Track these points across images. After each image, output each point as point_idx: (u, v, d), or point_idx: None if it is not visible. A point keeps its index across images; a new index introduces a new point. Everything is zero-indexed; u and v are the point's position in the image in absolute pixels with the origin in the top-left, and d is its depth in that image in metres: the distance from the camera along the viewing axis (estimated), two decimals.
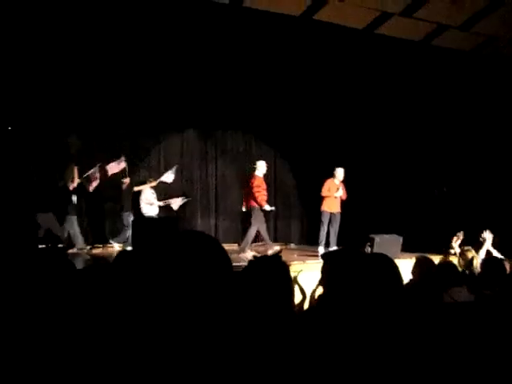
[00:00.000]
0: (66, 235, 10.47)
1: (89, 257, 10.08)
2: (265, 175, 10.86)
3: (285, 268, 2.22)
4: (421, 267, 4.64)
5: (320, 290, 2.83)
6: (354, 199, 11.57)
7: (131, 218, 10.78)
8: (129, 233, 10.51)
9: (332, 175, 10.92)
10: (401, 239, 9.95)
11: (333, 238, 10.74)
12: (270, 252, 9.97)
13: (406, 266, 4.68)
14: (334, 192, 10.73)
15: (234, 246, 13.09)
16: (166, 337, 1.38)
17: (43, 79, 10.78)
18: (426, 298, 3.68)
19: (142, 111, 12.15)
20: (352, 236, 10.96)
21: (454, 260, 5.93)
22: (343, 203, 10.92)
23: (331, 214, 10.75)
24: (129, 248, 9.62)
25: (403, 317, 1.66)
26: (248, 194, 10.72)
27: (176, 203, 12.24)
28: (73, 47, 10.24)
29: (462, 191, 11.33)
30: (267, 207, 10.60)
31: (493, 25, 9.10)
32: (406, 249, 9.78)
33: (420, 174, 12.08)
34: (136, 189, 11.59)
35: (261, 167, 10.77)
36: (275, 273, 2.17)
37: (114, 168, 11.20)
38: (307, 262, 9.24)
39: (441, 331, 1.76)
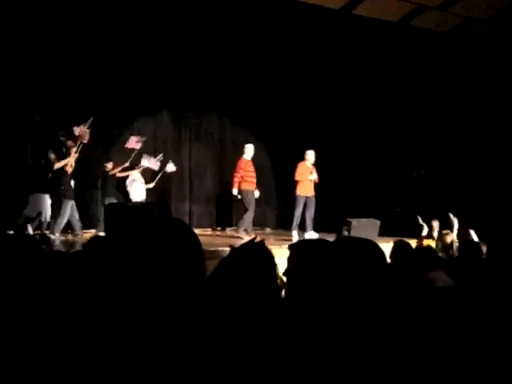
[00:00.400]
0: (65, 221, 10.20)
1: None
2: (253, 159, 10.87)
3: (269, 256, 2.18)
4: (399, 251, 4.66)
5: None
6: (331, 182, 11.60)
7: None
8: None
9: (303, 158, 10.91)
10: (378, 223, 10.00)
11: (309, 223, 10.72)
12: (240, 238, 9.96)
13: (383, 250, 4.69)
14: (308, 175, 10.71)
15: (209, 231, 13.11)
16: (139, 325, 1.34)
17: (36, 62, 10.58)
18: (407, 282, 3.70)
19: (114, 93, 11.95)
20: (329, 220, 11.00)
21: (431, 244, 5.99)
22: (317, 186, 10.93)
23: (306, 198, 10.74)
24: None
25: (386, 302, 1.65)
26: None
27: (169, 167, 12.13)
28: (50, 30, 10.05)
29: (441, 175, 11.44)
30: (234, 191, 10.67)
31: (470, 6, 9.14)
32: (384, 233, 9.84)
33: (399, 157, 12.15)
34: (121, 174, 11.44)
35: (248, 150, 10.82)
36: (259, 261, 2.12)
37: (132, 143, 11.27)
38: (283, 246, 9.21)
39: (425, 316, 1.76)
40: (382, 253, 1.77)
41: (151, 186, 12.01)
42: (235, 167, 10.89)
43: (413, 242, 5.86)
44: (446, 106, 11.26)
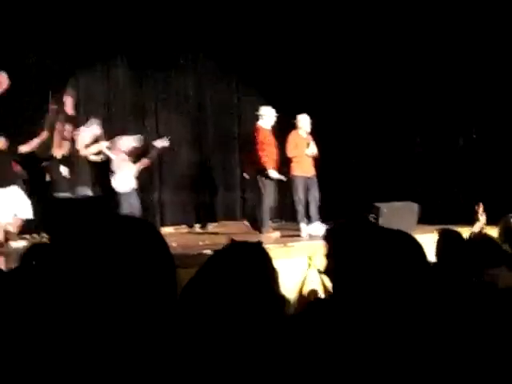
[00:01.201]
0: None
1: None
2: (273, 127, 10.82)
3: (266, 259, 2.17)
4: (446, 244, 4.67)
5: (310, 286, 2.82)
6: (346, 158, 11.64)
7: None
8: None
9: (294, 126, 10.86)
10: (417, 207, 10.04)
11: (314, 210, 10.72)
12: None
13: (425, 243, 4.69)
14: (305, 149, 10.68)
15: (182, 229, 13.09)
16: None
17: None
18: (459, 283, 3.72)
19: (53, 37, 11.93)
20: (345, 206, 11.02)
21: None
22: (321, 163, 10.93)
23: (306, 178, 10.73)
24: None
25: (435, 311, 1.68)
26: (251, 154, 10.69)
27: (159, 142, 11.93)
28: None
29: (494, 141, 11.41)
30: (273, 174, 10.60)
31: None
32: (424, 220, 9.90)
33: (436, 117, 12.12)
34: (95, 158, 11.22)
35: (267, 116, 10.69)
36: (252, 267, 2.11)
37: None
38: (289, 244, 9.27)
39: (485, 325, 1.78)
40: (419, 248, 1.79)
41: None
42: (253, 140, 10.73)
43: (464, 231, 5.87)
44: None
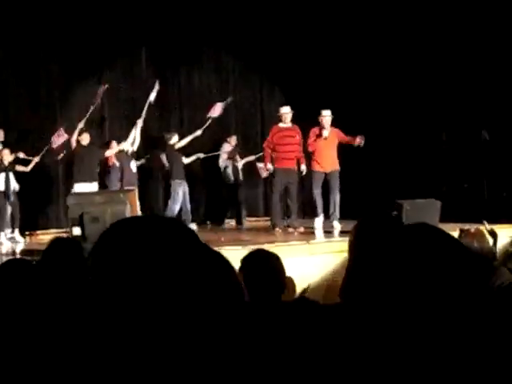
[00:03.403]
0: None
1: None
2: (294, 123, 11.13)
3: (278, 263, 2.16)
4: (468, 242, 4.65)
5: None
6: (365, 152, 11.60)
7: None
8: None
9: (316, 122, 10.97)
10: (439, 205, 9.99)
11: (333, 209, 10.79)
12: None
13: None
14: (323, 142, 10.79)
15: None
16: None
17: None
18: (482, 285, 3.70)
19: (78, 36, 12.06)
20: (368, 203, 11.02)
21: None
22: (344, 159, 10.93)
23: (326, 174, 10.79)
24: None
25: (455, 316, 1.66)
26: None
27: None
28: None
29: None
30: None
31: None
32: (445, 218, 9.85)
33: (459, 109, 12.03)
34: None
35: (282, 114, 11.01)
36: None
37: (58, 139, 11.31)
38: (311, 242, 9.27)
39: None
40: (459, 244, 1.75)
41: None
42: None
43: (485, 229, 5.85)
44: None
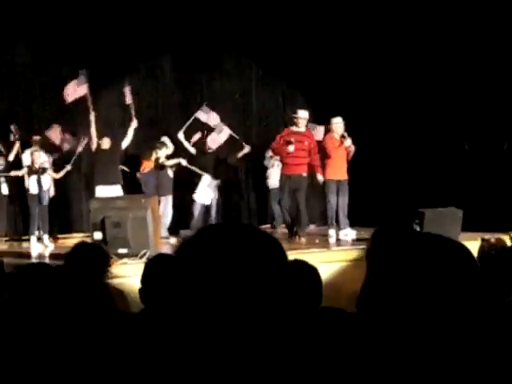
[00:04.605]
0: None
1: None
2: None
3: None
4: (489, 253, 4.63)
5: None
6: (380, 158, 11.60)
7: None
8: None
9: (328, 130, 10.99)
10: (460, 213, 9.95)
11: (342, 217, 10.83)
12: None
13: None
14: (337, 149, 10.74)
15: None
16: None
17: None
18: (501, 295, 3.70)
19: (102, 44, 12.17)
20: (389, 211, 11.00)
21: None
22: (353, 166, 10.93)
23: (337, 182, 10.80)
24: None
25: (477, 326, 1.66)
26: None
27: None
28: None
29: None
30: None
31: None
32: (467, 227, 9.81)
33: (480, 120, 11.99)
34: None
35: (295, 119, 10.87)
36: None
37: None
38: (333, 249, 9.31)
39: None
40: (472, 260, 1.76)
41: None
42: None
43: (508, 239, 5.82)
44: None
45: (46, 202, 11.25)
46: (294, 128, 10.73)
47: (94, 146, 11.18)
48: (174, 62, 13.36)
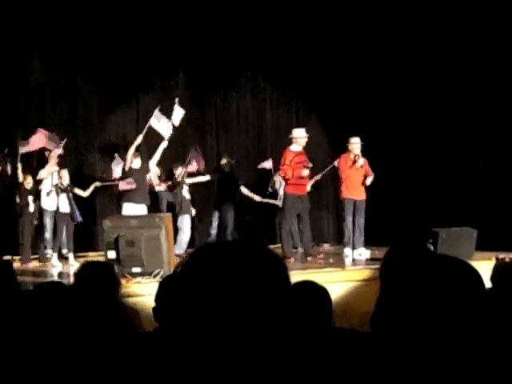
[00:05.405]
0: None
1: None
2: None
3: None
4: (504, 273, 4.61)
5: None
6: (403, 181, 11.58)
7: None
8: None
9: (345, 149, 10.97)
10: (475, 233, 9.92)
11: (358, 236, 10.83)
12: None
13: (482, 271, 4.62)
14: (353, 169, 10.76)
15: None
16: None
17: None
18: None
19: (117, 64, 12.28)
20: (403, 230, 10.97)
21: None
22: (373, 187, 10.92)
23: (354, 201, 10.79)
24: None
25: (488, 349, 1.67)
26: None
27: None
28: None
29: None
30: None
31: None
32: (481, 246, 9.77)
33: (495, 138, 11.95)
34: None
35: (296, 139, 10.82)
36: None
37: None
38: (348, 268, 9.29)
39: None
40: (479, 280, 1.77)
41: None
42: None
43: None
44: None
45: (79, 219, 11.26)
46: (294, 148, 10.70)
47: (127, 166, 11.22)
48: (189, 80, 13.43)
